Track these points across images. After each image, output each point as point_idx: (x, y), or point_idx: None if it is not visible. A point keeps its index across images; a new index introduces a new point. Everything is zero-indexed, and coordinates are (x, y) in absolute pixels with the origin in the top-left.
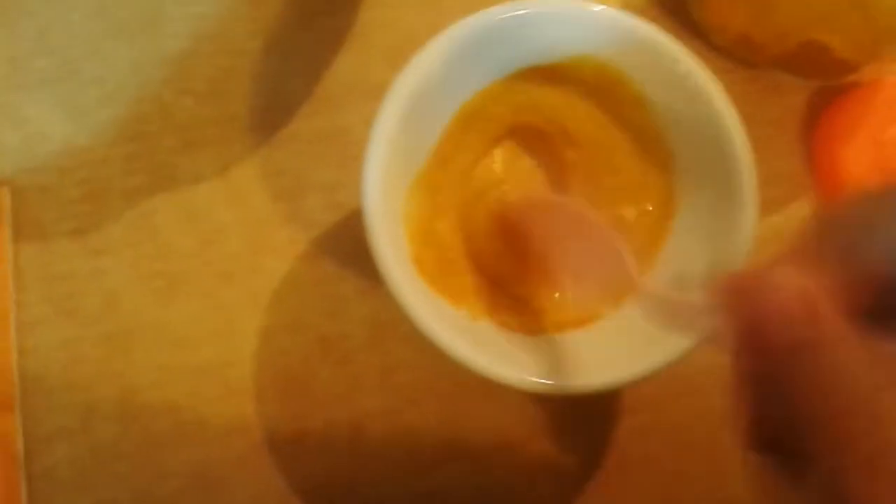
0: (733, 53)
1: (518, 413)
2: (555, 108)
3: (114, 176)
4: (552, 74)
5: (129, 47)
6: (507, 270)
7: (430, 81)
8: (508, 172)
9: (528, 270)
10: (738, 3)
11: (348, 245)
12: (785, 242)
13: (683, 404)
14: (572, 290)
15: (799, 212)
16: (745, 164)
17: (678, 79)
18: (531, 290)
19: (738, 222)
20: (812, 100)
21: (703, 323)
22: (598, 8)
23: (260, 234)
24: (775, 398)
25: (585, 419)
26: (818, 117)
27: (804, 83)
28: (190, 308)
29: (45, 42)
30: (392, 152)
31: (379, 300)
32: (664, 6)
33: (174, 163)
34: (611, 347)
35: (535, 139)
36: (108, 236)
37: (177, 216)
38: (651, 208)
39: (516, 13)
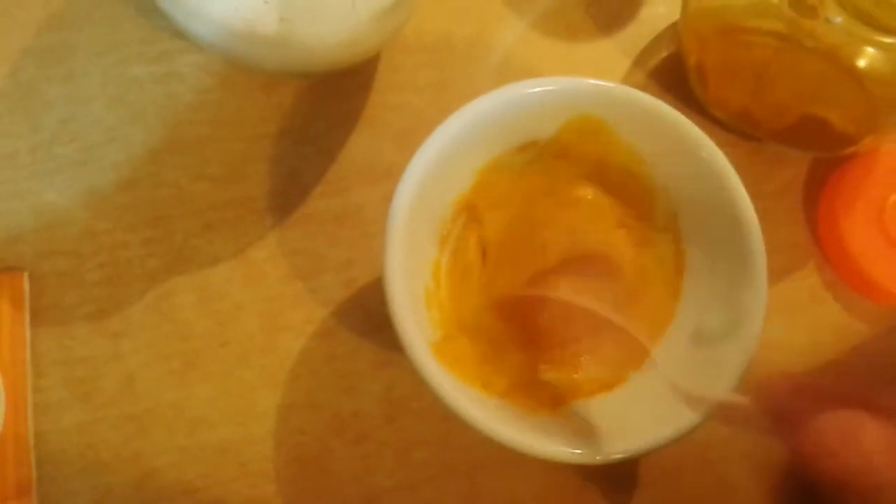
0: (734, 127)
1: (533, 487)
2: (558, 179)
3: (132, 259)
4: (555, 146)
5: (147, 134)
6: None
7: (440, 161)
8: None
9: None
10: (737, 79)
11: (361, 320)
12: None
13: (697, 477)
14: (590, 367)
15: (804, 280)
16: (750, 221)
17: (680, 145)
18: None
19: (750, 279)
20: (813, 170)
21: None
22: (595, 82)
23: (275, 313)
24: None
25: (601, 492)
26: (820, 187)
27: (805, 154)
28: (207, 388)
29: (65, 130)
30: (409, 231)
31: (393, 374)
32: (665, 83)
33: (192, 245)
34: (627, 415)
35: (543, 204)
36: (127, 319)
37: (194, 298)
38: (657, 265)
39: (521, 93)
